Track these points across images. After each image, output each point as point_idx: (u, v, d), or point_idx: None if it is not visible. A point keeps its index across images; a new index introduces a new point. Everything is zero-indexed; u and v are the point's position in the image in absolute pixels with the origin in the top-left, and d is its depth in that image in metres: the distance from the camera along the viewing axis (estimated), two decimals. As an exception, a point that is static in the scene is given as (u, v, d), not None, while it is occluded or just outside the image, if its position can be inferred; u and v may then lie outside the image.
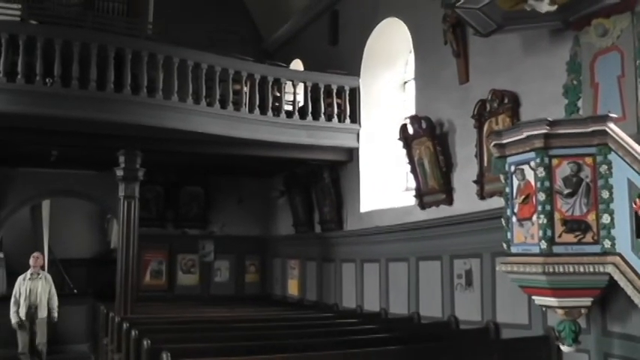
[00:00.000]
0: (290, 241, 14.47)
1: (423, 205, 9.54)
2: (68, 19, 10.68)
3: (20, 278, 11.53)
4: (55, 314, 11.68)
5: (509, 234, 5.74)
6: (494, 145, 5.88)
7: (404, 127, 9.77)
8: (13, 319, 11.25)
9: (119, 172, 10.78)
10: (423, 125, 9.34)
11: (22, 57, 9.24)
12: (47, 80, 9.35)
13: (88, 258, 18.15)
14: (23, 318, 11.27)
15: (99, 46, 9.66)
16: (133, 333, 7.53)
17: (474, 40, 8.50)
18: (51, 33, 9.53)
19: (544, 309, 6.26)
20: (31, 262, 11.61)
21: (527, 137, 5.43)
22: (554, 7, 6.45)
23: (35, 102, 9.22)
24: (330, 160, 11.98)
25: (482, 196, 8.26)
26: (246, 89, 10.94)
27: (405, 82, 11.32)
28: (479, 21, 7.17)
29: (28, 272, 11.51)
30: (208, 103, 10.49)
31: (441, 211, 9.12)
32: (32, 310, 11.37)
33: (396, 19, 10.77)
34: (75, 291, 16.15)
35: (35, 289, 11.42)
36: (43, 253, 13.49)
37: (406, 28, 10.49)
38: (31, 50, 9.31)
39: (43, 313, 11.45)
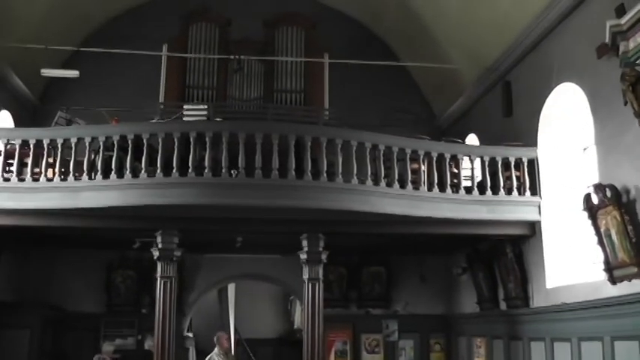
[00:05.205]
0: (475, 319, 14.05)
1: (613, 279, 8.90)
2: (250, 113, 11.42)
3: (214, 355, 11.58)
4: None
5: None
6: (687, 214, 5.49)
7: (587, 197, 9.32)
8: None
9: (303, 256, 11.08)
10: (608, 194, 8.86)
11: (208, 152, 9.93)
12: (232, 172, 9.91)
13: (272, 338, 18.75)
14: None
15: (280, 136, 10.12)
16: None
17: (656, 99, 8.03)
18: (235, 128, 10.19)
19: None
20: (221, 341, 11.67)
21: None
22: None
23: (221, 193, 9.84)
24: (512, 234, 11.64)
25: (679, 268, 7.64)
26: (424, 167, 10.98)
27: (585, 149, 10.86)
28: (661, 77, 6.84)
29: (220, 353, 11.60)
30: (387, 184, 10.60)
31: (634, 286, 8.43)
32: None
33: (571, 83, 10.44)
34: (261, 370, 16.67)
35: None
36: (229, 333, 13.91)
37: (582, 92, 10.11)
38: (217, 145, 9.98)
39: None
